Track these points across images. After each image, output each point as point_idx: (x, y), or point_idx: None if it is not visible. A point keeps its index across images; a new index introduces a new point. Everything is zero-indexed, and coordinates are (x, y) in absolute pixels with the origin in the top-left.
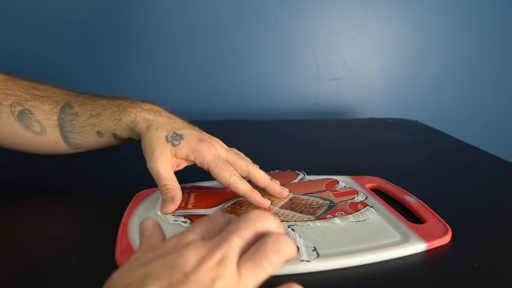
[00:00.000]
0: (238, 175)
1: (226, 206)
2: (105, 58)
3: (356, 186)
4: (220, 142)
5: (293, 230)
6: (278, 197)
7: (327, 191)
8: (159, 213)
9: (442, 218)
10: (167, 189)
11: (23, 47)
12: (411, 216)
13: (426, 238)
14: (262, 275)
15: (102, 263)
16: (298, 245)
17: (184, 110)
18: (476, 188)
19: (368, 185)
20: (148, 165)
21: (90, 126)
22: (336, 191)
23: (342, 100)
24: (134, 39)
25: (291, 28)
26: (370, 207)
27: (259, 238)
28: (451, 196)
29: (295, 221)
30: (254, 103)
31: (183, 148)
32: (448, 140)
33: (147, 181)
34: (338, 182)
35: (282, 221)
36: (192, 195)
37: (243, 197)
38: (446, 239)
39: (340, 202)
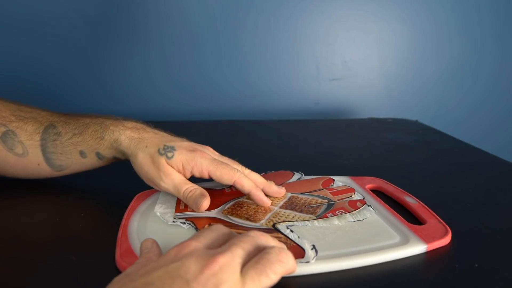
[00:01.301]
0: (241, 172)
1: (226, 207)
2: (103, 58)
3: (356, 187)
4: (212, 149)
5: (292, 231)
6: (276, 197)
7: (324, 189)
8: (158, 214)
9: (442, 218)
10: (190, 191)
11: (21, 50)
12: (411, 217)
13: (426, 239)
14: (266, 282)
15: (102, 264)
16: (300, 245)
17: (183, 110)
18: (476, 188)
19: (368, 186)
20: (158, 187)
21: (72, 145)
22: (333, 189)
23: (342, 100)
24: (133, 39)
25: (291, 28)
26: (368, 205)
27: (259, 252)
28: (451, 196)
29: (296, 220)
30: (254, 103)
31: (178, 160)
32: (448, 140)
33: None
34: (334, 180)
35: (284, 221)
36: None
37: (247, 194)
38: (446, 240)
39: (338, 200)
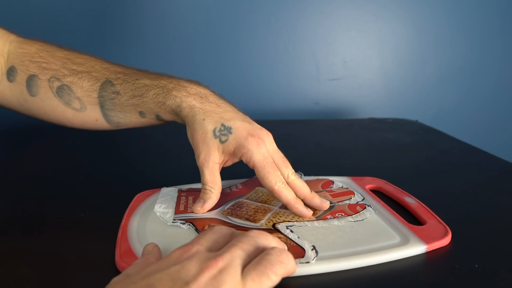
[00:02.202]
0: (284, 181)
1: (226, 208)
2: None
3: (356, 187)
4: (271, 137)
5: (292, 231)
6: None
7: (324, 191)
8: (158, 214)
9: (442, 218)
10: (205, 189)
11: None
12: (411, 218)
13: (426, 240)
14: (267, 283)
15: (102, 265)
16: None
17: None
18: (476, 188)
19: (368, 186)
20: (196, 160)
21: (132, 106)
22: (333, 191)
23: (342, 100)
24: (131, 40)
25: (291, 28)
26: (368, 206)
27: (259, 253)
28: (451, 196)
29: (296, 221)
30: (254, 104)
31: (231, 145)
32: (448, 140)
33: (147, 182)
34: (333, 182)
35: (283, 221)
36: (190, 198)
37: (286, 205)
38: (446, 240)
39: (338, 202)
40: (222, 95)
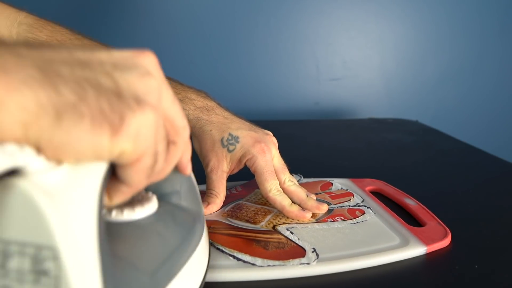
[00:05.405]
0: (279, 189)
1: (226, 210)
2: None
3: (356, 189)
4: (276, 144)
5: (292, 233)
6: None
7: (323, 193)
8: None
9: (441, 219)
10: (211, 194)
11: None
12: (411, 219)
13: (426, 241)
14: None
15: None
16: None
17: None
18: (476, 189)
19: (368, 188)
20: (204, 169)
21: None
22: (332, 193)
23: (342, 100)
24: (129, 39)
25: (291, 28)
26: (367, 208)
27: None
28: (451, 197)
29: (296, 222)
30: (253, 104)
31: (238, 153)
32: (448, 140)
33: None
34: (332, 184)
35: (283, 223)
36: None
37: (281, 211)
38: (445, 242)
39: (337, 204)
40: (227, 107)
